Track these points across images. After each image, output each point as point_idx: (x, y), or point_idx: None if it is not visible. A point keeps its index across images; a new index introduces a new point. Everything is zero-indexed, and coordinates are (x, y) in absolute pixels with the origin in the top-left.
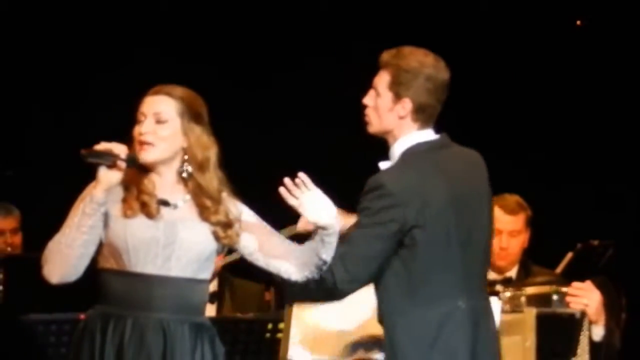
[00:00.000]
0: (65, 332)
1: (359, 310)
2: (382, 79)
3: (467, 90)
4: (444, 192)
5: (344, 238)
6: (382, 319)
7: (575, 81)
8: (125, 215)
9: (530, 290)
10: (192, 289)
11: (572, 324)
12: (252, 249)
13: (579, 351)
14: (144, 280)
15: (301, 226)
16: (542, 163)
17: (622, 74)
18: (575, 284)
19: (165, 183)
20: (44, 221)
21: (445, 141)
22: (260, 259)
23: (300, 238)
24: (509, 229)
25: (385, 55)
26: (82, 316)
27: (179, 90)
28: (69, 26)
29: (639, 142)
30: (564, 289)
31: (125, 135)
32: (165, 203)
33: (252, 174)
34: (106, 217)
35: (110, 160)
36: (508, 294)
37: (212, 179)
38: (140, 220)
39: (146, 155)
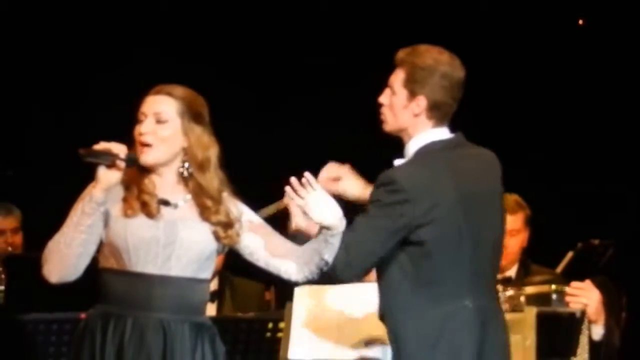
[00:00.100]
0: (66, 331)
1: (368, 300)
2: (398, 77)
3: (466, 90)
4: (454, 192)
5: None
6: (383, 315)
7: (576, 81)
8: (126, 215)
9: (530, 289)
10: (192, 288)
11: (572, 323)
12: (253, 249)
13: (578, 350)
14: (144, 280)
15: (295, 225)
16: (542, 163)
17: (623, 74)
18: (575, 283)
19: (165, 183)
20: (45, 221)
21: (460, 140)
22: (261, 259)
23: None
24: (508, 228)
25: (401, 53)
26: (83, 315)
27: (179, 90)
28: (69, 26)
29: (639, 142)
30: (564, 288)
31: (125, 135)
32: (165, 203)
33: (252, 174)
34: (106, 216)
35: (109, 159)
36: (508, 293)
37: (213, 179)
38: (141, 219)
39: (146, 158)
